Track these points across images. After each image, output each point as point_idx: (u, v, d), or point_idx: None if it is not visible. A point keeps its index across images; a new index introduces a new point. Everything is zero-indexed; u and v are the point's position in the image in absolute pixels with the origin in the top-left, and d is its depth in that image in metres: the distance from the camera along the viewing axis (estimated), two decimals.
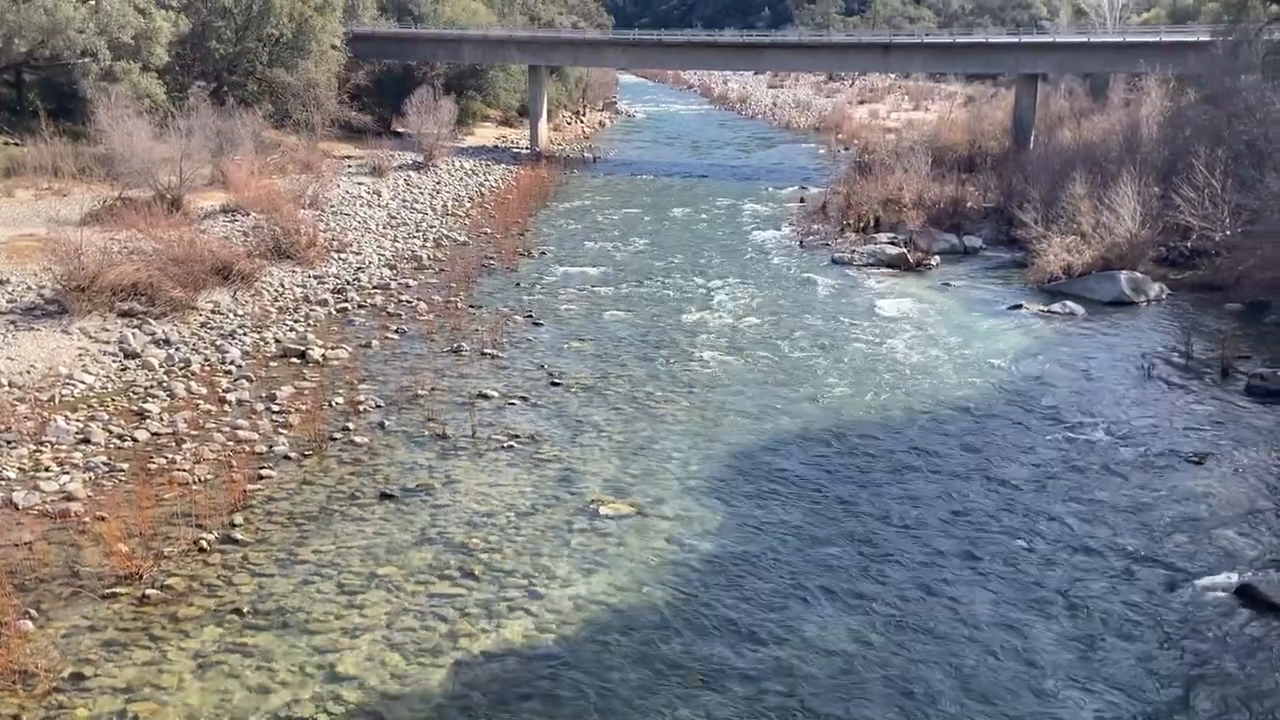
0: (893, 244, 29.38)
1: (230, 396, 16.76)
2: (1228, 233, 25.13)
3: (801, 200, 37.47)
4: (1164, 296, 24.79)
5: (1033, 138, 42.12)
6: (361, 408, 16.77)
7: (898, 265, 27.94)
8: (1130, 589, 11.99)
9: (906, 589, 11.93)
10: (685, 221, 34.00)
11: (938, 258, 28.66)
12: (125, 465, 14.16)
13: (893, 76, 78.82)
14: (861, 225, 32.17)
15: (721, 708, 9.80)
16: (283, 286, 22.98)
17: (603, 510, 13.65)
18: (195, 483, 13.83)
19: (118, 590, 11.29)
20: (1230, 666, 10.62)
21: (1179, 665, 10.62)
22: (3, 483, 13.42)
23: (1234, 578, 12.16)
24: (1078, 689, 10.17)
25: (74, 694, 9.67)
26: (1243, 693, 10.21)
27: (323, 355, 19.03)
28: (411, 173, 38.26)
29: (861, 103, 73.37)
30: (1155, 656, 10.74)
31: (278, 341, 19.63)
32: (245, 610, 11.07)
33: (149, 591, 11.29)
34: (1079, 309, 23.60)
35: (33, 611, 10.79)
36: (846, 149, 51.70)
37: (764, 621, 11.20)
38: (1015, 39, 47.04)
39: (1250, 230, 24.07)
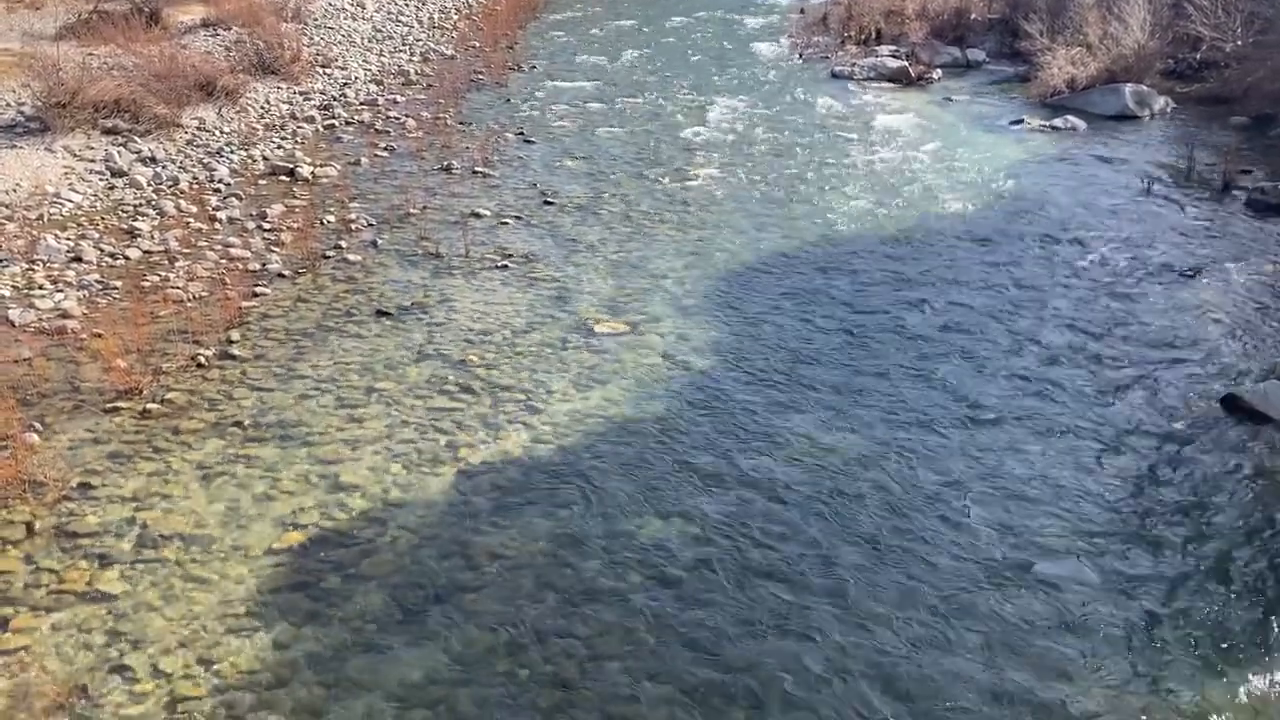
0: (894, 57, 28.58)
1: (220, 214, 16.59)
2: (1239, 43, 24.41)
3: (802, 11, 36.24)
4: (1169, 110, 24.30)
5: None
6: (353, 226, 16.63)
7: (899, 79, 27.26)
8: (1116, 400, 12.20)
9: (897, 398, 12.12)
10: (681, 33, 32.98)
11: (939, 71, 27.96)
12: (119, 283, 14.14)
13: None
14: (862, 37, 31.23)
15: (716, 509, 10.08)
16: (268, 103, 22.43)
17: (598, 328, 13.71)
18: (190, 300, 13.84)
19: (119, 405, 11.44)
20: (1212, 472, 10.90)
21: (1161, 473, 10.90)
22: None
23: (1220, 387, 12.36)
24: (1060, 499, 10.46)
25: (83, 502, 9.91)
26: (1222, 497, 10.51)
27: (312, 173, 18.74)
28: None
29: None
30: (1137, 464, 11.01)
31: (266, 159, 19.30)
32: (246, 423, 11.26)
33: (150, 406, 11.45)
34: (1081, 124, 23.16)
35: (37, 425, 10.96)
36: None
37: (757, 430, 11.42)
38: None
39: (1262, 40, 23.39)
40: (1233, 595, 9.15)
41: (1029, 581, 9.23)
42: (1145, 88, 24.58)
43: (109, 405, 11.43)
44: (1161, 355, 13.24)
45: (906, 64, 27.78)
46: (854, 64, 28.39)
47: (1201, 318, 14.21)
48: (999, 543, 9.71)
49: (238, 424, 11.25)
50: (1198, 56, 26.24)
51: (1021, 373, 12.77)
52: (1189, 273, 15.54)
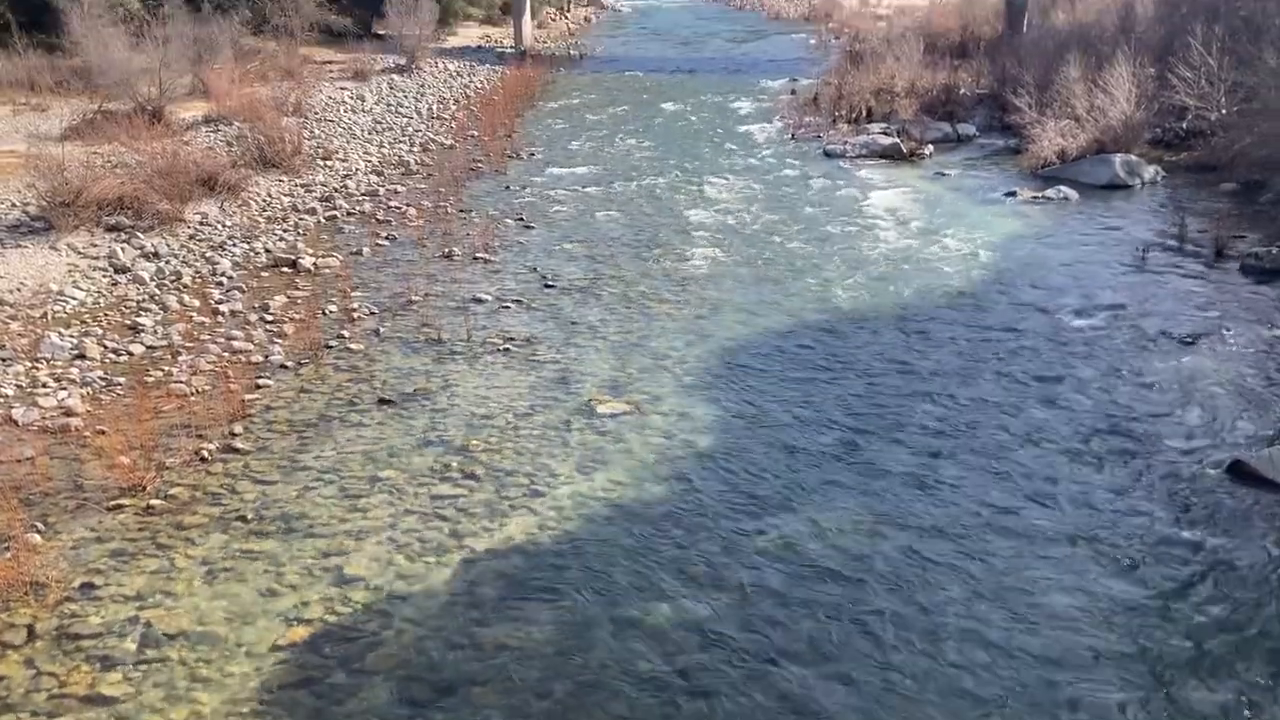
0: (885, 134, 29.05)
1: (223, 308, 16.72)
2: (1223, 112, 24.84)
3: (792, 92, 36.93)
4: (1159, 178, 24.61)
5: (1026, 21, 41.28)
6: (355, 315, 16.75)
7: (891, 155, 27.67)
8: (1121, 467, 12.15)
9: (902, 473, 12.08)
10: (675, 117, 33.54)
11: (931, 146, 28.38)
12: (122, 379, 14.20)
13: None
14: (853, 116, 31.77)
15: (721, 597, 9.98)
16: (270, 196, 22.75)
17: (600, 409, 13.73)
18: (193, 394, 13.88)
19: (122, 502, 11.40)
20: (1219, 540, 10.81)
21: (1168, 540, 10.80)
22: (1, 400, 13.45)
23: (1225, 454, 12.32)
24: (1068, 567, 10.36)
25: (85, 603, 9.83)
26: (1229, 564, 10.41)
27: (314, 264, 18.93)
28: (395, 76, 37.60)
29: None
30: (1144, 532, 10.92)
31: (268, 251, 19.51)
32: (250, 517, 11.21)
33: (153, 502, 11.41)
34: (1073, 194, 23.45)
35: (39, 525, 10.92)
36: (837, 38, 50.78)
37: (762, 512, 11.36)
38: None
39: (1246, 108, 23.78)
40: (1250, 668, 9.01)
41: (1033, 656, 9.11)
42: (1134, 157, 24.93)
43: (112, 503, 11.39)
44: (1165, 423, 13.21)
45: (898, 140, 28.22)
46: (846, 142, 28.83)
47: (1203, 384, 14.22)
48: (1005, 622, 9.60)
49: (241, 518, 11.20)
50: (1184, 125, 26.66)
51: (1022, 444, 12.73)
52: (1188, 339, 15.58)
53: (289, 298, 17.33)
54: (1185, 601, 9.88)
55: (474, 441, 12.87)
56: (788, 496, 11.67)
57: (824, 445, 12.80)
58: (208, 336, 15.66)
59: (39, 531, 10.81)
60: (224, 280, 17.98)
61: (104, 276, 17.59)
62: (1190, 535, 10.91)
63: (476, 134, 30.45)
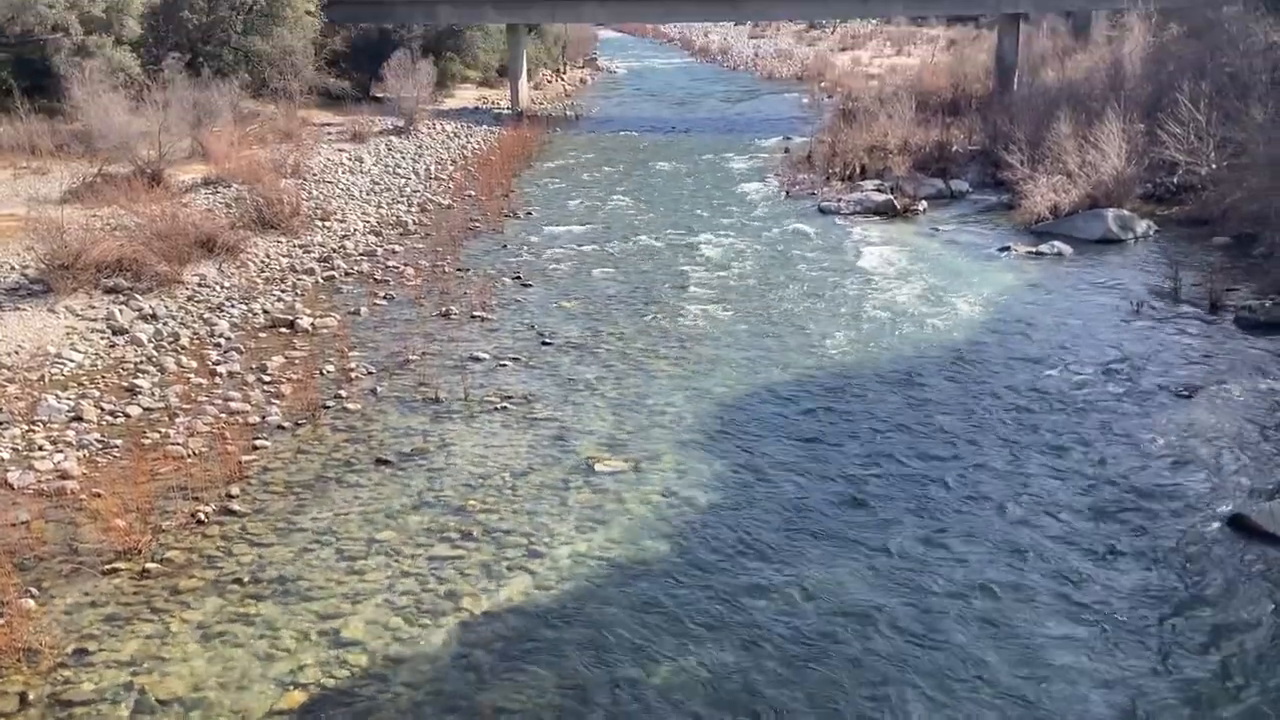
0: (879, 191, 29.29)
1: (221, 369, 16.72)
2: (1213, 166, 25.11)
3: (786, 150, 37.31)
4: (1151, 233, 24.80)
5: (1016, 79, 41.89)
6: (353, 375, 16.75)
7: (885, 212, 27.89)
8: (1121, 522, 12.10)
9: (901, 531, 12.02)
10: (670, 176, 33.84)
11: (924, 203, 28.61)
12: (119, 441, 14.15)
13: (874, 22, 78.22)
14: (847, 173, 32.05)
15: (723, 656, 9.88)
16: (268, 257, 22.86)
17: (598, 467, 13.69)
18: (190, 456, 13.83)
19: (117, 565, 11.31)
20: (1223, 595, 10.74)
21: (1172, 595, 10.74)
22: None
23: (1226, 508, 12.28)
24: (1071, 621, 10.28)
25: (79, 669, 9.72)
26: (1234, 619, 10.33)
27: (312, 324, 18.97)
28: (393, 137, 37.95)
29: (843, 50, 72.84)
30: (1147, 587, 10.85)
31: (266, 312, 19.55)
32: (246, 580, 11.12)
33: (149, 565, 11.32)
34: (1067, 249, 23.61)
35: (34, 589, 10.82)
36: (830, 97, 51.40)
37: (762, 570, 11.28)
38: None
39: (1236, 163, 24.02)
40: None
41: (1034, 713, 9.01)
42: (1127, 212, 25.15)
43: (107, 566, 11.30)
44: (1165, 478, 13.18)
45: (892, 197, 28.46)
46: (840, 199, 29.06)
47: (1202, 438, 14.21)
48: (1007, 681, 9.50)
49: (237, 581, 11.11)
50: (1175, 180, 26.93)
51: (1022, 500, 12.70)
52: (1185, 393, 15.60)
53: (287, 358, 17.34)
54: (1188, 657, 9.79)
55: (472, 501, 12.81)
56: (786, 557, 11.59)
57: (822, 505, 12.74)
58: (205, 398, 15.64)
59: (33, 596, 10.71)
60: (222, 341, 18.01)
61: (102, 338, 17.61)
62: (1193, 590, 10.84)
63: (474, 194, 30.69)
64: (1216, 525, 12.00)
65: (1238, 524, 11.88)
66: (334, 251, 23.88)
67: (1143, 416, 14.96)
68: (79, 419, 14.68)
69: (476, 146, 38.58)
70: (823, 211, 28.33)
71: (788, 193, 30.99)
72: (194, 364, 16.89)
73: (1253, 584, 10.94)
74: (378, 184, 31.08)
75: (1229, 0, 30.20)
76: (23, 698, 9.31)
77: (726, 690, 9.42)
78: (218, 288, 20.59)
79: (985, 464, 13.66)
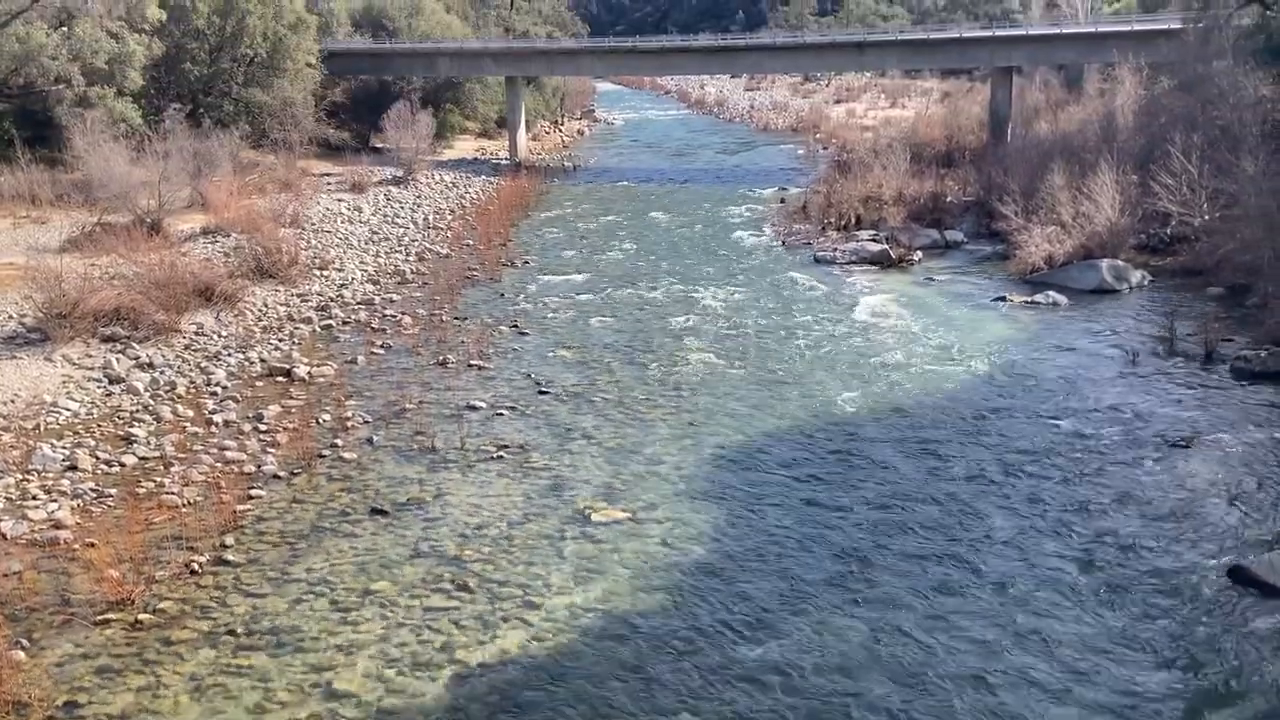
0: (874, 241, 29.45)
1: (217, 418, 16.68)
2: (1206, 217, 25.29)
3: (782, 201, 37.55)
4: (1146, 283, 24.92)
5: (1010, 130, 42.29)
6: (349, 424, 16.71)
7: (880, 262, 28.02)
8: (1122, 574, 12.03)
9: (900, 584, 11.95)
10: (667, 226, 34.03)
11: (920, 253, 28.76)
12: (113, 490, 14.09)
13: (868, 75, 79.15)
14: (843, 224, 32.24)
15: (720, 710, 9.77)
16: (266, 306, 22.91)
17: (595, 517, 13.63)
18: (185, 505, 13.76)
19: (110, 616, 11.21)
20: (1223, 645, 10.66)
21: (1173, 646, 10.66)
22: None
23: (1225, 559, 12.21)
24: (1074, 673, 10.19)
25: None
26: (1235, 670, 10.24)
27: (309, 373, 18.96)
28: (392, 188, 38.21)
29: (838, 102, 73.62)
30: (1148, 638, 10.77)
31: (263, 361, 19.55)
32: (239, 631, 11.02)
33: (141, 616, 11.22)
34: (1062, 299, 23.70)
35: (24, 641, 10.71)
36: (825, 148, 51.86)
37: (756, 628, 11.19)
38: (988, 33, 47.21)
39: (1228, 214, 24.21)
40: None
41: None
42: (1121, 262, 25.29)
43: (99, 617, 11.20)
44: (1164, 529, 13.13)
45: (887, 247, 28.61)
46: (836, 249, 29.20)
47: (1200, 489, 14.17)
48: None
49: (230, 632, 11.00)
50: (1168, 231, 27.12)
51: (1019, 550, 12.63)
52: (1182, 443, 15.58)
53: (283, 407, 17.31)
54: (1190, 707, 9.68)
55: (467, 551, 12.73)
56: (782, 611, 11.51)
57: (818, 557, 12.67)
58: (201, 447, 15.59)
59: (23, 648, 10.60)
60: (218, 390, 17.98)
61: (98, 387, 17.59)
62: (1194, 641, 10.75)
63: (472, 243, 30.84)
64: (1216, 576, 11.93)
65: (1237, 575, 11.82)
66: (332, 300, 23.93)
67: (1140, 467, 14.93)
68: (74, 468, 14.62)
69: (475, 196, 38.84)
70: (818, 261, 28.45)
71: (784, 243, 31.15)
72: (190, 413, 16.86)
73: (1253, 634, 10.85)
74: (376, 233, 31.24)
75: (1219, 54, 30.60)
76: None
77: None
78: (215, 336, 20.61)
79: (981, 516, 13.60)
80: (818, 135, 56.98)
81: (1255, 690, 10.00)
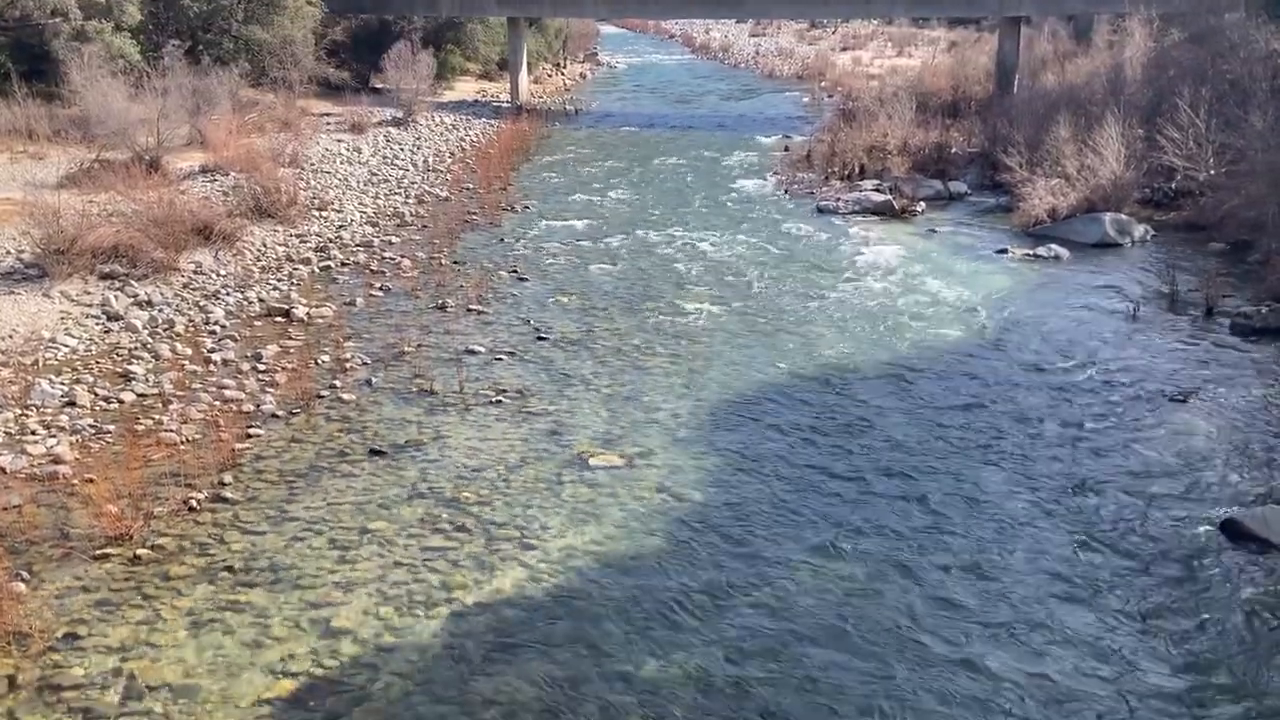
0: (878, 191, 29.28)
1: (215, 356, 16.69)
2: (1211, 172, 25.13)
3: (786, 149, 37.27)
4: (1148, 237, 24.82)
5: (1016, 82, 41.87)
6: (348, 365, 16.72)
7: (883, 212, 27.88)
8: (1114, 527, 12.12)
9: (896, 529, 12.03)
10: (669, 173, 33.82)
11: (923, 204, 28.61)
12: (112, 427, 14.12)
13: (875, 22, 78.22)
14: (846, 173, 32.05)
15: (712, 652, 9.88)
16: (265, 246, 22.81)
17: (592, 462, 13.68)
18: (183, 443, 13.80)
19: (109, 551, 11.29)
20: (1214, 598, 10.77)
21: (1162, 599, 10.76)
22: None
23: (1219, 512, 12.30)
24: (1055, 626, 10.30)
25: (69, 653, 9.70)
26: (1225, 622, 10.35)
27: (307, 314, 18.93)
28: (391, 129, 37.88)
29: (844, 50, 72.80)
30: (1138, 591, 10.87)
31: (261, 301, 19.51)
32: (237, 567, 11.10)
33: (140, 551, 11.30)
34: (1064, 252, 23.62)
35: (24, 573, 10.80)
36: (830, 97, 51.39)
37: (754, 565, 11.28)
38: None
39: (1234, 169, 24.06)
40: None
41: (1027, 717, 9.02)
42: (1124, 216, 25.17)
43: (99, 551, 11.28)
44: (1158, 482, 13.21)
45: (890, 197, 28.44)
46: (839, 198, 29.05)
47: (1195, 443, 14.23)
48: (1001, 682, 9.51)
49: (228, 568, 11.09)
50: (1173, 186, 26.95)
51: (1015, 504, 12.71)
52: (1180, 398, 15.62)
53: (282, 347, 17.30)
54: (1179, 659, 9.81)
55: (465, 493, 12.80)
56: (778, 553, 11.60)
57: (814, 500, 12.75)
58: (199, 385, 15.61)
59: (24, 580, 10.69)
60: (217, 329, 17.97)
61: (97, 324, 17.57)
62: (1184, 594, 10.86)
63: (472, 187, 30.65)
64: (1209, 529, 12.01)
65: (1230, 528, 11.90)
66: (330, 241, 23.83)
67: (1137, 421, 14.98)
68: (72, 404, 14.65)
69: (475, 139, 38.53)
70: (821, 211, 28.32)
71: (786, 191, 30.97)
72: (188, 351, 16.86)
73: (1243, 588, 10.96)
74: (375, 175, 31.03)
75: (1230, 7, 30.23)
76: (12, 681, 9.30)
77: (715, 685, 9.42)
78: (214, 275, 20.55)
79: (978, 463, 13.67)
80: (823, 83, 56.41)
81: (1241, 645, 10.10)
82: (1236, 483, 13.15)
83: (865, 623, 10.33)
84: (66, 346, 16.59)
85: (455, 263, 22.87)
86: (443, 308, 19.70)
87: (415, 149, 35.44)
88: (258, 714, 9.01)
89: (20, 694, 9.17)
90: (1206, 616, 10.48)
